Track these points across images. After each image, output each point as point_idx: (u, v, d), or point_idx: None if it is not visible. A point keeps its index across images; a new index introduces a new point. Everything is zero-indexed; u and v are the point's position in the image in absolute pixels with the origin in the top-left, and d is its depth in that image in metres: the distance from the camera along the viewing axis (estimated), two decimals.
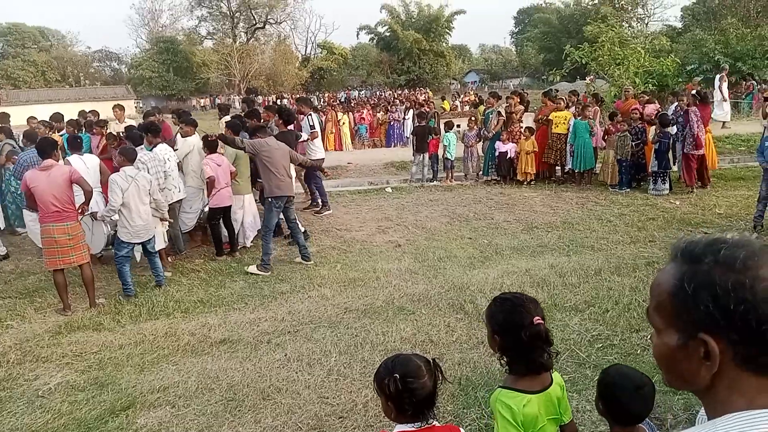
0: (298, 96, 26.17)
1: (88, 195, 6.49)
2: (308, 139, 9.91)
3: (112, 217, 6.65)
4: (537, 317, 2.05)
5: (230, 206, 8.01)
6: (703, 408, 1.07)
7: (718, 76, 17.10)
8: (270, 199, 7.28)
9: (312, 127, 10.02)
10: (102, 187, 7.70)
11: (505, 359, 2.10)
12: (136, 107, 48.73)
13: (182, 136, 8.46)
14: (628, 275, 6.15)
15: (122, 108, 10.82)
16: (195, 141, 8.28)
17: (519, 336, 2.02)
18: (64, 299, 6.37)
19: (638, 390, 2.14)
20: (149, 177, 6.92)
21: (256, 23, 64.28)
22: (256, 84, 59.43)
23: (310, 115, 10.25)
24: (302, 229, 8.17)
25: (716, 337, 0.95)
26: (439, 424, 2.06)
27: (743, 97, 22.35)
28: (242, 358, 4.97)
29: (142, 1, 69.57)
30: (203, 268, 7.64)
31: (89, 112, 11.75)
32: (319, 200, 10.38)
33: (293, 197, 7.61)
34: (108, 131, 10.02)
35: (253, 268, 7.37)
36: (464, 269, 6.89)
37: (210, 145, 7.84)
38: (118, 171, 6.65)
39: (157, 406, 4.34)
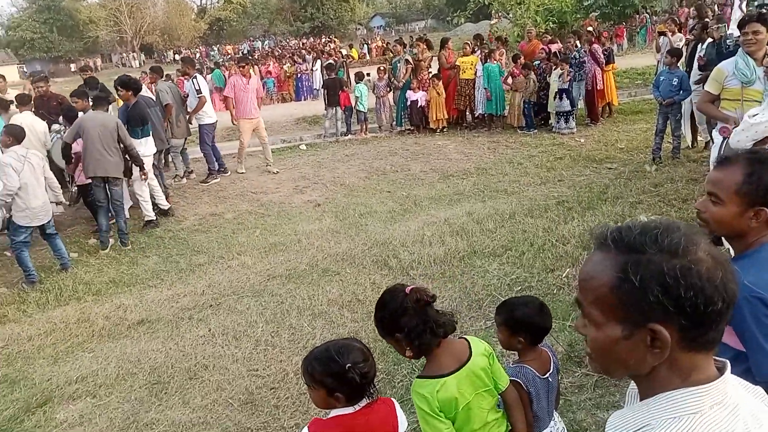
0: (183, 56, 24.73)
1: None
2: (197, 105, 9.49)
3: (7, 201, 6.12)
4: (407, 287, 2.05)
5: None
6: (633, 383, 1.08)
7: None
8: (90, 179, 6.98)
9: (198, 90, 9.46)
10: None
11: (409, 351, 2.04)
12: (19, 72, 44.97)
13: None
14: (540, 216, 6.39)
15: (4, 78, 9.82)
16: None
17: (404, 316, 2.00)
18: None
19: (541, 307, 2.38)
20: (40, 154, 6.40)
21: None
22: (151, 39, 56.24)
23: (195, 77, 9.67)
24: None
25: (665, 324, 0.94)
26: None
27: (638, 30, 23.33)
28: (163, 337, 4.81)
29: None
30: (111, 246, 7.23)
31: None
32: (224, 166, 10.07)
33: (117, 178, 7.04)
34: None
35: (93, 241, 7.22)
36: (385, 224, 6.91)
37: (70, 117, 7.32)
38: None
39: (77, 398, 4.16)
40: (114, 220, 7.27)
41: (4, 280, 6.55)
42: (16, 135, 6.18)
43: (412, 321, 1.98)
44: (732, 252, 1.90)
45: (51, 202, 6.59)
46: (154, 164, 8.26)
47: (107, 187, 6.95)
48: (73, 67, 48.64)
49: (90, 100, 7.57)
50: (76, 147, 7.09)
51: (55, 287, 6.11)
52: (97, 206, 7.10)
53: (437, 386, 1.98)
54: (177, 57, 48.70)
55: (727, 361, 1.02)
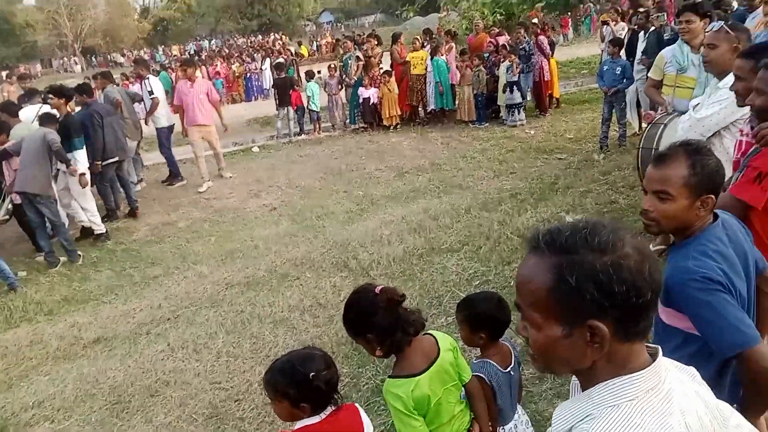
0: (136, 57, 24.25)
1: None
2: (150, 107, 9.34)
3: None
4: (377, 287, 2.07)
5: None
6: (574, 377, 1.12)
7: None
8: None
9: (151, 92, 9.27)
10: None
11: (380, 350, 2.05)
12: None
13: None
14: (494, 210, 6.50)
15: None
16: None
17: (375, 316, 2.01)
18: None
19: (499, 302, 2.42)
20: None
21: None
22: (93, 42, 54.45)
23: (147, 78, 9.49)
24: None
25: (602, 320, 0.98)
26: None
27: (582, 20, 23.88)
28: (121, 355, 4.70)
29: None
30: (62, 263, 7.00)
31: None
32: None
33: (35, 195, 6.60)
34: None
35: (40, 258, 7.04)
36: (343, 225, 6.90)
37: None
38: None
39: (34, 424, 4.03)
40: (55, 238, 7.05)
41: None
42: None
43: (384, 321, 2.00)
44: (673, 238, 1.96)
45: None
46: (118, 175, 8.15)
47: (34, 205, 6.65)
48: (4, 74, 46.54)
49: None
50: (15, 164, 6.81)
51: (3, 309, 5.87)
52: (33, 226, 6.84)
53: (411, 386, 2.01)
54: (122, 59, 47.43)
55: (659, 347, 1.07)
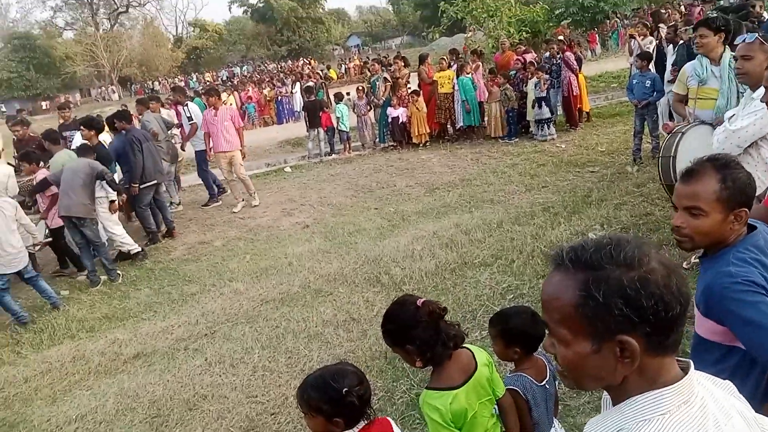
0: (173, 85, 24.98)
1: None
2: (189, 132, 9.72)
3: None
4: (418, 300, 2.08)
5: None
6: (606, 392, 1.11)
7: None
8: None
9: (189, 118, 9.63)
10: None
11: (419, 361, 2.06)
12: None
13: None
14: (527, 223, 6.46)
15: None
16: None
17: (416, 329, 2.01)
18: None
19: (533, 316, 2.37)
20: (13, 201, 6.35)
21: (117, 8, 60.16)
22: (129, 72, 56.21)
23: (186, 105, 9.84)
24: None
25: (631, 334, 0.97)
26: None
27: (609, 35, 23.76)
28: (160, 370, 4.78)
29: None
30: (102, 282, 7.19)
31: None
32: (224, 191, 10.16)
33: (80, 218, 6.85)
34: None
35: (81, 278, 7.32)
36: (375, 241, 6.94)
37: (27, 158, 7.31)
38: None
39: None
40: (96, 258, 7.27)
41: None
42: None
43: (425, 334, 2.01)
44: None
45: (28, 246, 6.54)
46: (155, 197, 8.41)
47: (79, 228, 6.91)
48: (44, 105, 48.18)
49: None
50: (53, 189, 7.08)
51: (48, 326, 6.05)
52: (78, 247, 7.10)
53: (450, 398, 2.02)
54: (158, 87, 48.86)
55: (690, 361, 1.06)
